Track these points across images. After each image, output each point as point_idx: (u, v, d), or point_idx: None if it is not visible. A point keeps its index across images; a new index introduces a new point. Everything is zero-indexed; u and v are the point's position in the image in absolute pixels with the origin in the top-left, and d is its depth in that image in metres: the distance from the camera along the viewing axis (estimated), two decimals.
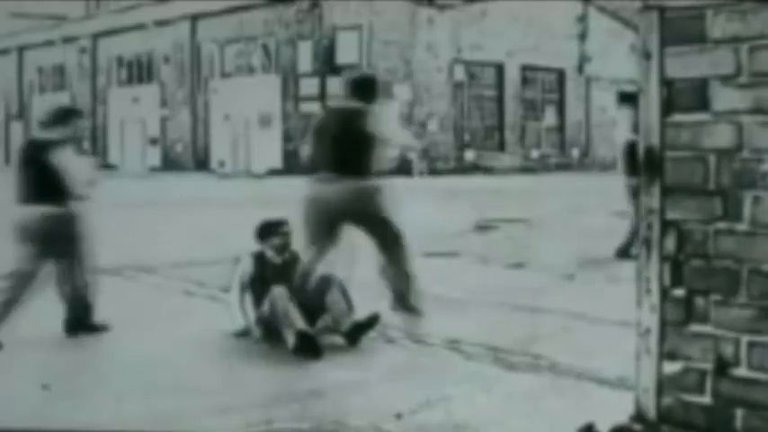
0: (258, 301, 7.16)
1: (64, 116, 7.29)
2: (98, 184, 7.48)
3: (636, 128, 9.27)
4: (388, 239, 7.25)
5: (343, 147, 7.09)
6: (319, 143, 7.27)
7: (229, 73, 39.55)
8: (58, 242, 7.09)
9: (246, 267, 7.31)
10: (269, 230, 7.44)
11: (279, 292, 6.93)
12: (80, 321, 7.26)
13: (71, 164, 7.11)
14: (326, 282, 7.20)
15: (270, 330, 6.99)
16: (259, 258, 7.35)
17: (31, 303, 7.12)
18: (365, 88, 7.37)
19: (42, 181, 7.00)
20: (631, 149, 10.59)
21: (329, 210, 7.14)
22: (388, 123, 7.31)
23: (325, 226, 7.18)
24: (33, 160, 7.09)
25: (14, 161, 7.33)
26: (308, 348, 6.65)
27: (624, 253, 10.84)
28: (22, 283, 7.01)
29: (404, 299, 7.38)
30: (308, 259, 7.14)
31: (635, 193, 9.86)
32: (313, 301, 7.10)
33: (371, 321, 7.08)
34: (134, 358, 6.62)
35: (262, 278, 7.22)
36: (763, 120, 3.23)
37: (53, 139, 7.13)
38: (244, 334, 7.12)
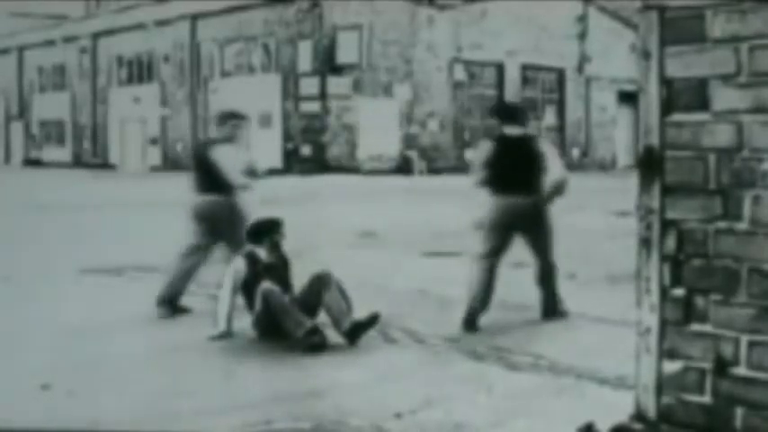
0: (251, 302, 7.16)
1: (225, 118, 8.48)
2: (257, 177, 8.46)
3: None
4: (547, 249, 8.00)
5: (516, 168, 7.81)
6: (495, 165, 7.83)
7: (229, 72, 39.56)
8: (220, 225, 8.16)
9: (240, 268, 7.28)
10: (263, 230, 7.43)
11: (268, 287, 6.95)
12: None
13: (226, 158, 8.15)
14: (324, 281, 7.19)
15: (267, 329, 6.99)
16: (251, 258, 7.33)
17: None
18: (519, 115, 8.18)
19: (207, 174, 8.15)
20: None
21: (506, 222, 7.79)
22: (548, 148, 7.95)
23: (502, 235, 7.81)
24: (200, 157, 8.36)
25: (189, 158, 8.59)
26: (316, 341, 6.69)
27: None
28: (197, 257, 8.26)
29: (556, 303, 7.97)
30: (485, 262, 7.77)
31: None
32: (311, 300, 7.11)
33: (371, 321, 7.08)
34: (134, 357, 6.62)
35: (255, 278, 7.21)
36: (764, 119, 3.23)
37: (216, 138, 8.42)
38: (222, 337, 7.11)
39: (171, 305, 8.13)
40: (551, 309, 7.91)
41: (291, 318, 6.84)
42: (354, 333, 7.01)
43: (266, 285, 6.98)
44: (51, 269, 10.72)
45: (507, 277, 8.07)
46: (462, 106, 38.08)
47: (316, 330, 6.81)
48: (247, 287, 7.20)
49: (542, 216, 7.90)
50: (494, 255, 7.78)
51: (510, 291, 8.58)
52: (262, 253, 7.35)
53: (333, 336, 7.02)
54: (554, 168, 7.78)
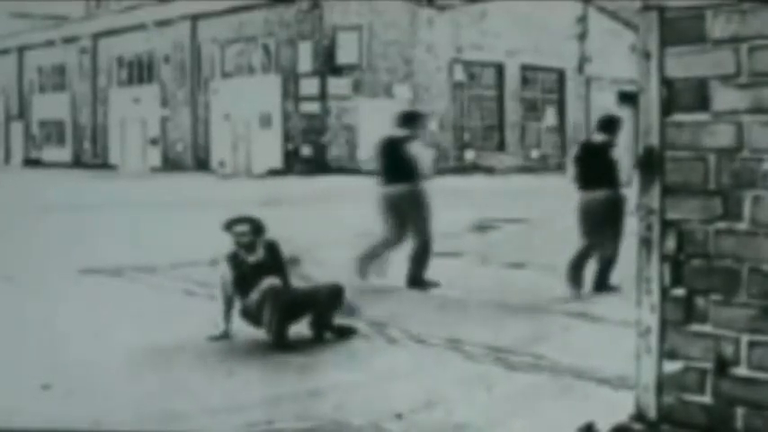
0: (244, 298, 7.16)
1: (409, 118, 9.91)
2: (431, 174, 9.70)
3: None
4: (617, 234, 8.90)
5: (596, 167, 9.09)
6: (581, 166, 9.24)
7: (230, 73, 39.54)
8: (408, 210, 9.35)
9: (225, 272, 7.27)
10: (228, 228, 7.38)
11: (270, 285, 6.96)
12: (416, 278, 9.37)
13: (419, 153, 9.47)
14: (337, 295, 7.26)
15: (255, 321, 7.02)
16: (234, 259, 7.28)
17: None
18: (612, 124, 9.35)
19: (399, 167, 9.35)
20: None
21: (594, 210, 9.03)
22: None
23: (592, 222, 9.03)
24: (390, 152, 9.54)
25: (375, 153, 9.89)
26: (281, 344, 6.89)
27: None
28: (386, 241, 9.41)
29: (606, 277, 9.06)
30: (582, 248, 9.09)
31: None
32: (307, 302, 7.15)
33: (348, 332, 7.21)
34: (134, 358, 6.62)
35: (242, 279, 7.19)
36: (763, 119, 3.23)
37: (403, 135, 9.54)
38: (221, 338, 7.12)
39: (420, 281, 9.36)
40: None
41: (273, 323, 6.92)
42: (324, 330, 7.15)
43: (269, 283, 6.99)
44: (51, 269, 10.72)
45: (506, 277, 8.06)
46: (462, 107, 38.07)
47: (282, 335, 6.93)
48: (240, 287, 7.19)
49: (618, 207, 8.94)
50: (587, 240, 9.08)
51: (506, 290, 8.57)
52: (241, 253, 7.28)
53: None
54: (623, 171, 8.97)
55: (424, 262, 9.41)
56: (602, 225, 8.96)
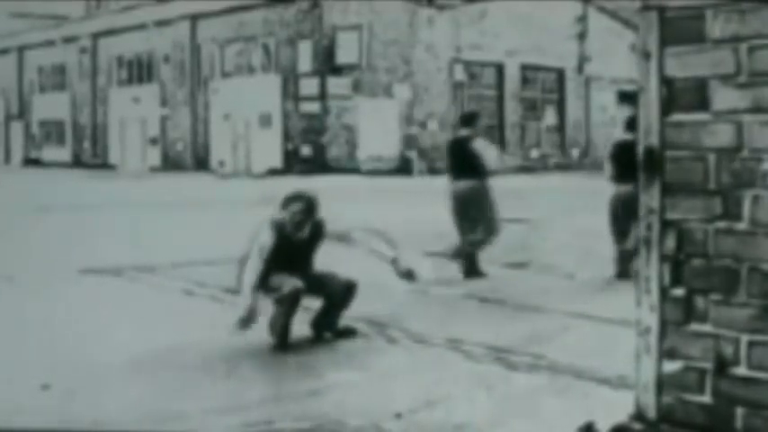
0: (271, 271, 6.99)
1: (470, 118, 10.92)
2: (501, 166, 11.02)
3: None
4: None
5: (628, 164, 9.26)
6: (615, 162, 10.13)
7: (229, 73, 39.54)
8: (475, 203, 10.17)
9: (267, 239, 7.02)
10: (285, 205, 7.22)
11: (294, 288, 6.95)
12: (473, 268, 10.17)
13: (483, 150, 10.30)
14: (351, 290, 7.24)
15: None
16: (280, 230, 7.07)
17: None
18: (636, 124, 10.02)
19: (466, 163, 10.19)
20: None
21: (626, 205, 9.50)
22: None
23: (625, 215, 9.61)
24: (456, 151, 10.48)
25: (445, 152, 11.10)
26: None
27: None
28: (469, 228, 10.19)
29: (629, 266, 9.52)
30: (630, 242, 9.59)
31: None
32: (318, 279, 7.16)
33: (348, 333, 7.21)
34: (135, 358, 6.62)
35: (280, 251, 7.01)
36: (763, 119, 3.23)
37: (467, 135, 10.43)
38: (248, 322, 6.87)
39: (473, 270, 10.11)
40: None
41: (279, 326, 6.92)
42: (324, 331, 7.17)
43: (296, 285, 6.98)
44: (51, 269, 10.72)
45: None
46: (462, 107, 38.06)
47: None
48: (275, 259, 6.99)
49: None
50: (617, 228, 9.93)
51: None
52: (288, 228, 7.10)
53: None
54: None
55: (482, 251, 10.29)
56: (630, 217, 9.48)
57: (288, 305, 6.93)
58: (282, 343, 6.92)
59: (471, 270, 10.14)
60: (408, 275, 7.32)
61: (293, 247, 7.11)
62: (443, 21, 37.08)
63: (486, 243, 10.26)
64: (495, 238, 10.26)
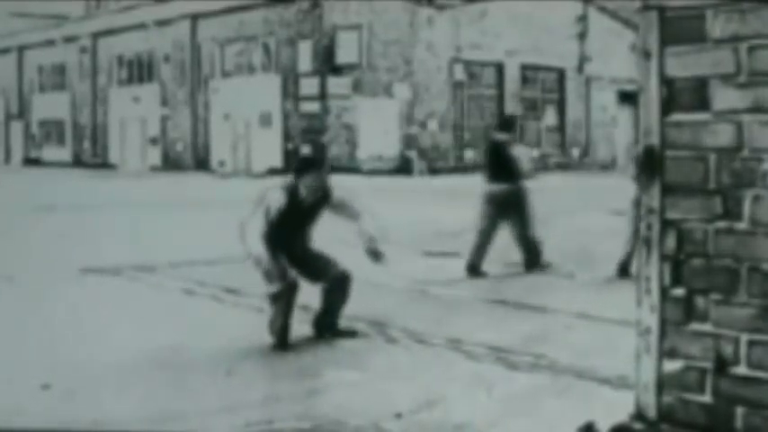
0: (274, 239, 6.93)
1: (509, 123, 11.63)
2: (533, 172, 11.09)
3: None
4: None
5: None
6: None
7: (229, 72, 39.53)
8: (511, 205, 10.59)
9: (279, 199, 6.97)
10: (307, 166, 7.22)
11: (294, 281, 6.95)
12: (533, 261, 10.62)
13: (520, 154, 10.82)
14: (345, 280, 7.18)
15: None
16: (293, 192, 7.04)
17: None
18: None
19: (503, 167, 10.64)
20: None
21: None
22: None
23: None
24: (494, 154, 10.90)
25: (483, 155, 12.00)
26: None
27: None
28: (488, 233, 10.55)
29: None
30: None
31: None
32: (315, 258, 7.15)
33: (348, 334, 7.20)
34: (135, 357, 6.62)
35: (288, 216, 6.97)
36: (763, 119, 3.23)
37: (505, 139, 10.91)
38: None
39: (475, 270, 10.36)
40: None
41: (278, 324, 6.92)
42: (326, 331, 7.13)
43: (294, 278, 6.99)
44: (52, 269, 10.72)
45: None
46: (462, 106, 38.07)
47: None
48: (283, 220, 6.95)
49: None
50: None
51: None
52: (302, 191, 7.06)
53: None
54: None
55: (537, 246, 10.66)
56: None
57: (284, 303, 6.91)
58: (282, 343, 6.91)
59: (535, 262, 10.60)
60: (377, 256, 7.23)
61: (301, 212, 7.07)
62: (443, 20, 37.08)
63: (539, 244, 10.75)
64: (534, 238, 10.65)
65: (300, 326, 7.15)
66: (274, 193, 7.00)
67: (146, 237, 13.87)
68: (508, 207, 10.60)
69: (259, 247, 6.77)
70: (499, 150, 10.84)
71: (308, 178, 7.07)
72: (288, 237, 7.02)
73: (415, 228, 14.60)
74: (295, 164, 7.17)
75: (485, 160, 11.40)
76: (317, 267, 7.15)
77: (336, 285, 7.14)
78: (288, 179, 7.18)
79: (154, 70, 43.23)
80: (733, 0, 3.25)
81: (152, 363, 6.49)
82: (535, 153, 11.95)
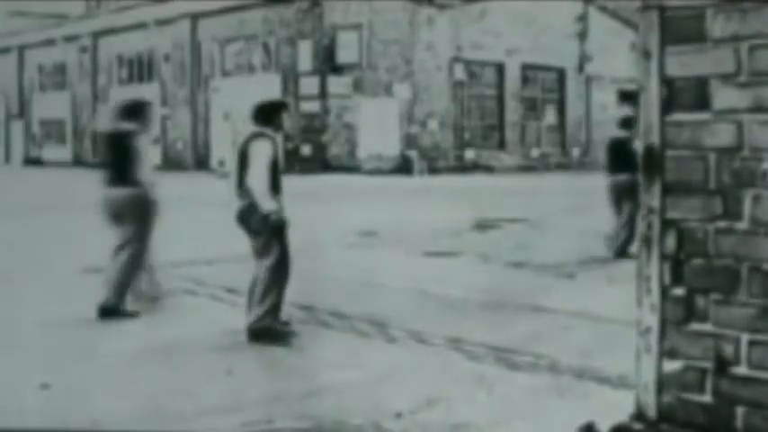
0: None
1: (629, 121, 11.86)
2: None
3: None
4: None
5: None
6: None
7: (230, 72, 39.54)
8: (628, 195, 11.25)
9: (274, 150, 7.04)
10: (275, 109, 7.24)
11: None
12: (624, 250, 11.35)
13: (637, 148, 11.63)
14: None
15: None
16: (273, 142, 7.12)
17: None
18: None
19: (622, 161, 11.57)
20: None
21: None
22: None
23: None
24: (616, 149, 12.02)
25: (605, 150, 12.63)
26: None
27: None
28: (629, 218, 11.42)
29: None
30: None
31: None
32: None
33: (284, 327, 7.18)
34: (134, 357, 6.62)
35: (274, 166, 7.04)
36: (764, 119, 3.23)
37: (625, 136, 11.79)
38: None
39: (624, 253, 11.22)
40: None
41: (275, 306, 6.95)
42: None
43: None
44: (51, 268, 10.71)
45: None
46: (462, 106, 38.06)
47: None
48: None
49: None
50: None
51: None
52: (277, 138, 7.15)
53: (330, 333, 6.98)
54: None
55: (631, 237, 11.01)
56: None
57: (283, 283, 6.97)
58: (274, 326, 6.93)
59: (623, 252, 11.28)
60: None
61: (277, 160, 7.12)
62: (443, 20, 37.07)
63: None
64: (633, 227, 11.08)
65: (300, 325, 7.14)
66: (264, 145, 7.02)
67: None
68: (626, 194, 11.50)
69: (273, 204, 6.93)
70: (621, 146, 11.87)
71: (283, 115, 7.19)
72: (278, 186, 7.09)
73: (415, 227, 14.60)
74: (258, 110, 7.10)
75: (606, 155, 12.56)
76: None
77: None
78: (254, 129, 7.14)
79: (154, 70, 43.24)
80: (733, 0, 3.25)
81: (152, 362, 6.48)
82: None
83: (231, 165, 7.43)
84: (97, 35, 46.31)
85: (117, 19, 44.86)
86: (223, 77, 39.75)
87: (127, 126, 8.10)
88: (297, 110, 35.76)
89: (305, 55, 35.44)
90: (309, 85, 35.33)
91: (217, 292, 8.95)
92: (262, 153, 6.96)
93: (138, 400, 5.53)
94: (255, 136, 7.06)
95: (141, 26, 43.00)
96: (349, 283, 9.79)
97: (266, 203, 6.89)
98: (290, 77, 36.05)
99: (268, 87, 36.62)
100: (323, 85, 35.00)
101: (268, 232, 6.90)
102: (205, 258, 11.05)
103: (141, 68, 44.23)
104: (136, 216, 8.16)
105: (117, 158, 8.15)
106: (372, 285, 9.67)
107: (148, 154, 8.04)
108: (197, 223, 15.44)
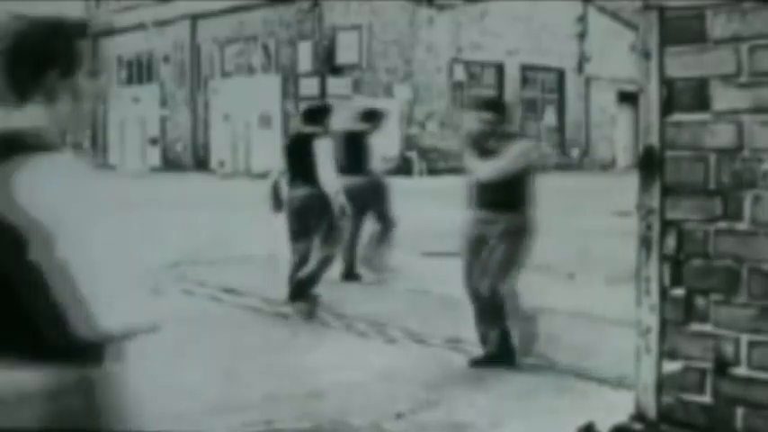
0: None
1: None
2: None
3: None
4: None
5: None
6: None
7: (229, 73, 39.53)
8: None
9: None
10: (324, 112, 8.86)
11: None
12: None
13: None
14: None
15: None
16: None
17: None
18: None
19: None
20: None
21: None
22: None
23: None
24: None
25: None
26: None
27: None
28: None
29: None
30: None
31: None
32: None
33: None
34: (133, 357, 6.61)
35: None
36: (764, 119, 3.23)
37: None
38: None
39: None
40: None
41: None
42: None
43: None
44: None
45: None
46: (462, 106, 38.06)
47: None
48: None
49: None
50: None
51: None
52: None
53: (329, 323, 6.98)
54: None
55: None
56: None
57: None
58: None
59: None
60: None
61: None
62: (443, 21, 37.09)
63: None
64: None
65: (300, 324, 7.12)
66: (327, 143, 8.38)
67: (145, 237, 13.85)
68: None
69: (338, 186, 8.21)
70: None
71: (327, 122, 8.61)
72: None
73: (414, 228, 14.60)
74: (309, 112, 9.06)
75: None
76: None
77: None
78: (306, 129, 8.64)
79: (153, 71, 43.24)
80: (733, 0, 3.25)
81: (151, 362, 6.47)
82: None
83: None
84: (96, 36, 46.24)
85: (116, 20, 44.87)
86: (223, 78, 39.74)
87: (310, 129, 8.75)
88: (297, 111, 35.75)
89: (305, 56, 35.44)
90: (309, 85, 35.32)
91: (217, 293, 8.92)
92: (328, 148, 8.32)
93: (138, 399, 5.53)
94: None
95: (141, 27, 43.01)
96: (349, 282, 9.80)
97: (336, 188, 8.16)
98: (290, 78, 36.05)
99: (268, 88, 36.65)
100: (323, 86, 34.99)
101: (329, 213, 8.02)
102: (206, 259, 11.04)
103: (141, 69, 44.23)
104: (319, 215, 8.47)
105: (300, 160, 8.72)
106: (372, 285, 9.68)
107: (329, 155, 8.65)
108: (197, 224, 15.39)
